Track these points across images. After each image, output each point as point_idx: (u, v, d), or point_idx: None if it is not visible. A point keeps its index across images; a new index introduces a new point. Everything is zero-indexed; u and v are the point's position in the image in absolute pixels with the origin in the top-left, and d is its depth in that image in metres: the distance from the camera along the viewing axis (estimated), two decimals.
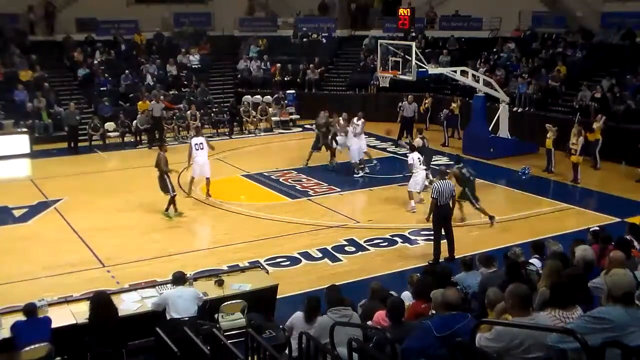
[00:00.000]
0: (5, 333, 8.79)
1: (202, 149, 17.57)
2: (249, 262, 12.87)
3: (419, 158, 16.91)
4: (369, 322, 7.80)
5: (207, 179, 17.67)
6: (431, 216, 13.63)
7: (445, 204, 13.39)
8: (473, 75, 22.89)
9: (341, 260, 13.82)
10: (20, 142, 23.55)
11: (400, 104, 24.92)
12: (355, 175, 19.94)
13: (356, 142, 19.99)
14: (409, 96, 24.94)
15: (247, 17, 34.53)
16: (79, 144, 24.32)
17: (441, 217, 13.47)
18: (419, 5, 30.92)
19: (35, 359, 8.48)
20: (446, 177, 14.07)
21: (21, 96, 25.81)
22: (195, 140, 17.87)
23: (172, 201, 16.22)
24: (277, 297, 10.88)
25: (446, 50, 29.43)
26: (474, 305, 8.10)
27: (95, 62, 29.07)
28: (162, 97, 26.02)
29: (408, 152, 18.12)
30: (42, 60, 28.21)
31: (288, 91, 29.49)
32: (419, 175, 16.92)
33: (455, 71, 23.15)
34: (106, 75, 28.50)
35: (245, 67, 31.19)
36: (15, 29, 29.63)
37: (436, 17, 33.06)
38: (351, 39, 33.67)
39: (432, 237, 13.71)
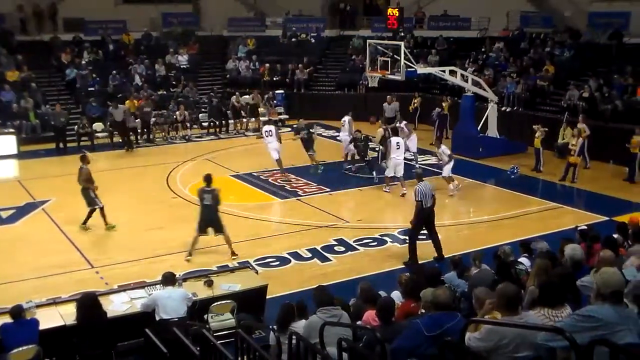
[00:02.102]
0: None
1: (271, 135, 19.58)
2: (238, 263, 12.88)
3: (398, 143, 17.84)
4: (359, 322, 7.80)
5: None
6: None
7: (429, 206, 13.38)
8: (462, 75, 22.95)
9: (331, 260, 13.81)
10: (7, 143, 23.40)
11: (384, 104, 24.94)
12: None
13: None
14: (388, 97, 24.95)
15: (235, 17, 34.49)
16: (68, 145, 24.16)
17: (425, 219, 13.44)
18: (407, 5, 30.98)
19: None
20: (424, 178, 14.04)
21: (8, 96, 25.65)
22: (266, 127, 20.23)
23: (102, 213, 15.39)
24: (267, 297, 10.87)
25: (435, 50, 29.53)
26: (463, 305, 8.13)
27: (83, 62, 28.94)
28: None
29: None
30: (29, 61, 28.05)
31: (277, 91, 29.47)
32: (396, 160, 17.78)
33: (444, 71, 23.19)
34: (94, 75, 28.38)
35: (234, 67, 31.15)
36: (2, 28, 29.47)
37: (425, 16, 33.18)
38: (340, 39, 33.69)
39: (421, 237, 13.70)
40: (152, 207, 17.11)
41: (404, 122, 22.06)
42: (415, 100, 26.85)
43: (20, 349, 8.37)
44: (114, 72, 28.45)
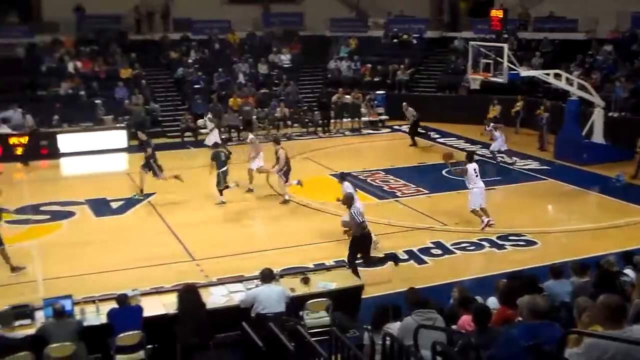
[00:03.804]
0: (103, 319, 9.22)
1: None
2: (335, 261, 12.95)
3: (475, 169, 15.67)
4: (454, 326, 7.76)
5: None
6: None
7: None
8: (567, 79, 22.26)
9: (427, 263, 13.75)
10: (118, 137, 24.52)
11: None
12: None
13: None
14: (404, 103, 25.20)
15: (337, 18, 34.68)
16: (171, 140, 25.10)
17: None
18: (511, 6, 30.29)
19: (128, 345, 8.86)
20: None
21: (121, 93, 26.90)
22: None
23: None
24: (362, 297, 10.94)
25: (539, 53, 28.73)
26: (562, 315, 7.93)
27: (190, 60, 29.91)
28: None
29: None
30: (141, 59, 29.36)
31: (377, 92, 29.49)
32: (477, 188, 15.65)
33: (548, 74, 22.57)
34: (200, 73, 29.29)
35: (336, 67, 31.40)
36: (118, 28, 30.94)
37: (529, 18, 32.31)
38: (442, 40, 33.35)
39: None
40: (251, 203, 17.48)
41: (492, 124, 21.79)
42: (518, 104, 26.24)
43: (126, 333, 8.82)
44: (219, 70, 29.29)
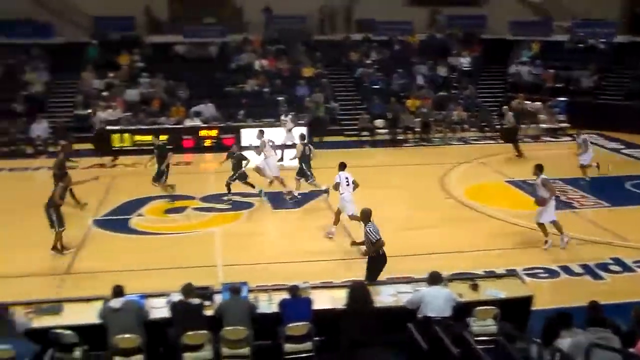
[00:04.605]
0: (274, 308, 9.65)
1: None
2: (505, 270, 12.64)
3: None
4: (631, 349, 7.33)
5: None
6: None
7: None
8: None
9: (604, 279, 13.03)
10: (298, 133, 25.26)
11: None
12: None
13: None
14: (504, 107, 24.09)
15: (520, 20, 33.63)
16: (349, 139, 25.63)
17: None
18: None
19: (297, 335, 9.19)
20: None
21: (302, 91, 27.88)
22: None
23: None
24: (532, 308, 10.61)
25: None
26: None
27: (369, 61, 30.35)
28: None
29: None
30: (323, 58, 30.26)
31: (559, 98, 28.26)
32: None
33: None
34: (379, 74, 29.64)
35: (516, 71, 30.51)
36: (303, 28, 32.08)
37: None
38: (633, 45, 31.24)
39: None
40: (424, 205, 17.43)
41: (584, 134, 20.08)
42: None
43: (296, 324, 9.16)
44: (399, 71, 29.48)
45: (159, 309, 9.62)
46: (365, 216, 11.94)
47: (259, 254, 14.21)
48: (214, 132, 24.80)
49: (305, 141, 19.30)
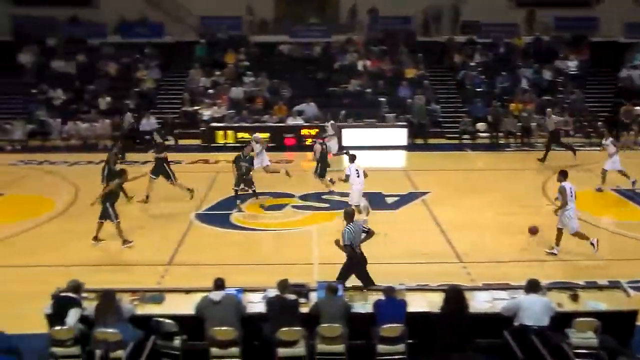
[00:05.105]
0: (368, 308, 9.75)
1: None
2: (608, 281, 12.24)
3: (570, 188, 13.95)
4: None
5: None
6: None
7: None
8: None
9: None
10: (399, 135, 25.41)
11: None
12: None
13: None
14: (548, 109, 23.21)
15: (635, 22, 32.19)
16: (450, 142, 25.42)
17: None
18: None
19: (390, 336, 9.24)
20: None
21: (404, 92, 27.83)
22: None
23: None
24: (637, 323, 10.23)
25: None
26: None
27: (473, 63, 29.94)
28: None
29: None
30: (426, 60, 30.11)
31: None
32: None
33: None
34: (482, 76, 29.19)
35: (627, 76, 29.31)
36: (407, 29, 32.01)
37: None
38: None
39: None
40: (524, 211, 17.09)
41: (610, 138, 19.27)
42: None
43: (390, 325, 9.22)
44: (502, 74, 28.95)
45: (255, 304, 9.90)
46: (348, 216, 11.73)
47: None
48: (315, 131, 25.14)
49: (322, 141, 19.97)
